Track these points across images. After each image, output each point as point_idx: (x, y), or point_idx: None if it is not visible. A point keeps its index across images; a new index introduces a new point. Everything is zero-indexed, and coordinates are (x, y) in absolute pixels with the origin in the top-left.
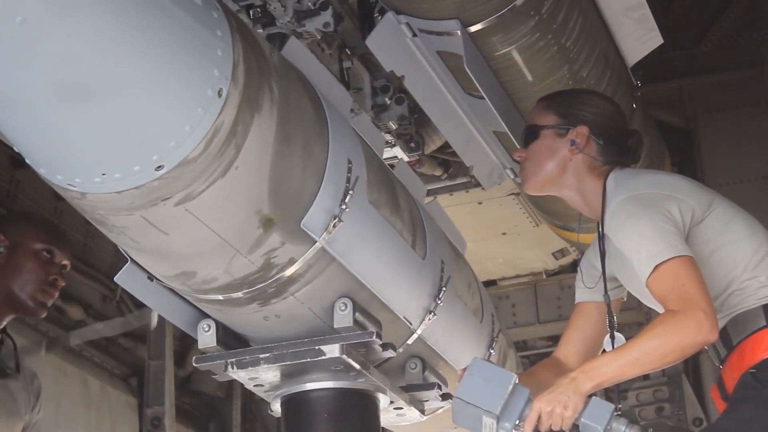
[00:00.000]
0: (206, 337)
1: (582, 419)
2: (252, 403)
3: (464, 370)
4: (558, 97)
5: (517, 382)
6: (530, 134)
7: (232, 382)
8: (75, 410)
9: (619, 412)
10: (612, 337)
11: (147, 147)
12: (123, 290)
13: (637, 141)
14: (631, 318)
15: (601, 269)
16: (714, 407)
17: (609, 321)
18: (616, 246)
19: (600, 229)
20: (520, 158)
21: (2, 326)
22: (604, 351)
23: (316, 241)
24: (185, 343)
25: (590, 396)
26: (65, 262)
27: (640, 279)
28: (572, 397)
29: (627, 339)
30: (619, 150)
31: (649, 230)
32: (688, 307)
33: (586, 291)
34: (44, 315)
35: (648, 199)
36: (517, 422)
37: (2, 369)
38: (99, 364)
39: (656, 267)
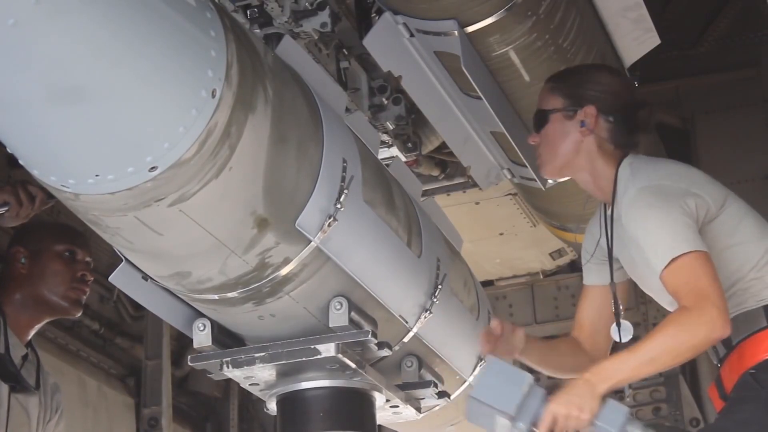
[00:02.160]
0: (201, 336)
1: (597, 422)
2: (249, 403)
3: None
4: (563, 78)
5: (533, 382)
6: (540, 119)
7: (229, 382)
8: (72, 410)
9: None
10: (618, 325)
11: (140, 148)
12: (120, 290)
13: (647, 112)
14: (628, 318)
15: (600, 245)
16: (711, 407)
17: (615, 309)
18: (630, 233)
19: (607, 213)
20: (534, 143)
21: (30, 337)
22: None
23: (311, 241)
24: (182, 343)
25: (605, 397)
26: (88, 258)
27: (654, 270)
28: (588, 400)
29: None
30: (629, 126)
31: (668, 223)
32: (700, 303)
33: (592, 273)
34: (80, 313)
35: (667, 191)
36: (532, 424)
37: (23, 383)
38: (96, 364)
39: (672, 261)
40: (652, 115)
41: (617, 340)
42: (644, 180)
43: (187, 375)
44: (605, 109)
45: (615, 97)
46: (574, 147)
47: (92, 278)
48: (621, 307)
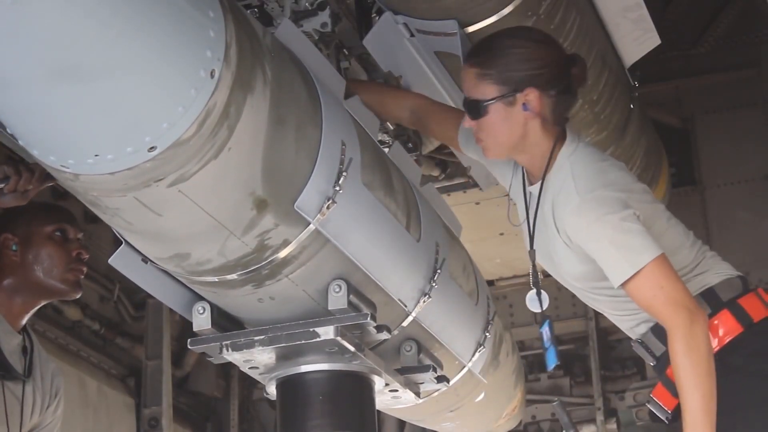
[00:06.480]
0: (201, 320)
1: None
2: (249, 403)
3: None
4: (487, 62)
5: None
6: (475, 109)
7: (230, 383)
8: (72, 411)
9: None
10: (538, 294)
11: (139, 128)
12: (120, 290)
13: (581, 68)
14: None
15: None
16: None
17: (533, 278)
18: (577, 243)
19: (526, 187)
20: (471, 126)
21: (24, 322)
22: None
23: (309, 223)
24: (182, 343)
25: None
26: (80, 235)
27: (612, 282)
28: None
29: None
30: (571, 92)
31: (619, 235)
32: (674, 315)
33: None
34: (79, 294)
35: (611, 201)
36: None
37: (12, 372)
38: (96, 364)
39: (630, 277)
40: (585, 70)
41: (536, 310)
42: (587, 187)
43: (188, 375)
44: (543, 85)
45: (549, 69)
46: (520, 131)
47: (87, 256)
48: (540, 275)
